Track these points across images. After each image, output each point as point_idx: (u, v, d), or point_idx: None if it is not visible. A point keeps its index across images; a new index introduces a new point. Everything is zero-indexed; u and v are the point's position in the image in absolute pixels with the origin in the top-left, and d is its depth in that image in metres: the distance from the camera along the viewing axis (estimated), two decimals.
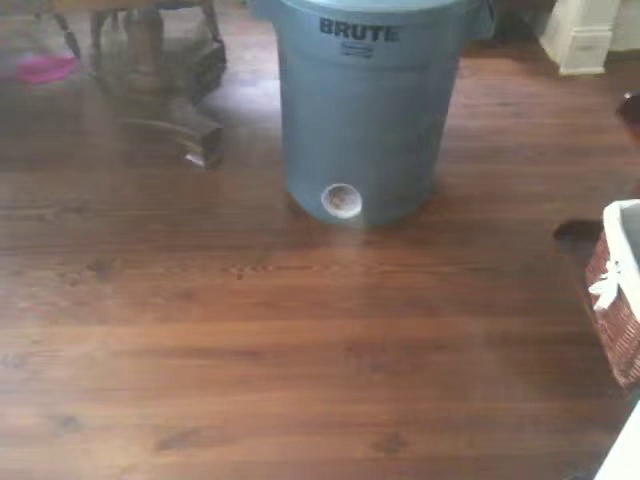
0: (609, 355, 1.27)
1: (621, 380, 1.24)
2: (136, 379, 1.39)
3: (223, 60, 2.37)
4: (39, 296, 1.54)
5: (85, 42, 2.34)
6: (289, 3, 1.35)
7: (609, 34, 2.31)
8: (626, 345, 1.20)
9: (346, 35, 1.31)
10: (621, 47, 2.43)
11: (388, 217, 1.75)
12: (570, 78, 2.36)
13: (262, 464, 1.25)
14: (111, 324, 1.49)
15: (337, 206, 1.71)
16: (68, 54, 2.40)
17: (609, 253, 1.25)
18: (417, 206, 1.79)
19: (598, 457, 0.87)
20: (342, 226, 1.73)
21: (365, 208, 1.67)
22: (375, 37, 1.30)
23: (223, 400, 1.35)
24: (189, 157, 1.94)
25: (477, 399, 1.36)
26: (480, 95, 2.27)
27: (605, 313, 1.29)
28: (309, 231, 1.73)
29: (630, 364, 1.21)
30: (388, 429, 1.30)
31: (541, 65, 2.42)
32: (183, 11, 2.47)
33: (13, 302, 1.53)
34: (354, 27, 1.29)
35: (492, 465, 1.25)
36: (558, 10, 2.40)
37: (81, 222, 1.74)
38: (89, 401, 1.34)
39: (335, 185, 1.65)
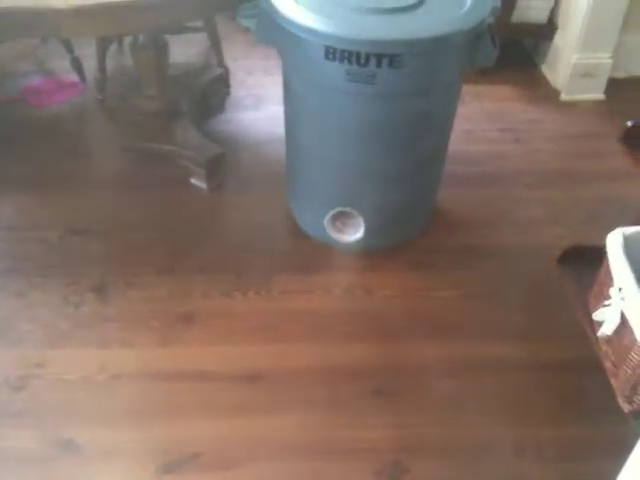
0: (613, 382, 1.27)
1: (625, 407, 1.24)
2: (136, 402, 1.38)
3: (227, 85, 2.39)
4: (41, 318, 1.54)
5: (90, 65, 2.36)
6: (293, 30, 1.36)
7: (610, 61, 2.33)
8: (630, 372, 1.20)
9: (350, 62, 1.32)
10: (622, 74, 2.46)
11: (390, 241, 1.76)
12: (571, 104, 2.37)
13: None
14: (112, 347, 1.49)
15: (339, 230, 1.71)
16: (73, 77, 2.42)
17: (612, 279, 1.25)
18: (418, 230, 1.80)
19: None
20: (344, 250, 1.73)
21: (367, 232, 1.67)
22: (379, 64, 1.31)
23: (224, 424, 1.34)
24: (192, 180, 1.95)
25: (479, 425, 1.35)
26: (481, 121, 2.28)
27: (609, 339, 1.29)
28: (311, 255, 1.73)
29: (634, 391, 1.20)
30: (390, 456, 1.29)
31: (542, 91, 2.44)
32: (188, 36, 2.51)
33: (15, 324, 1.53)
34: (358, 54, 1.30)
35: None
36: (558, 37, 2.42)
37: (84, 244, 1.74)
38: (89, 424, 1.34)
39: (338, 209, 1.66)
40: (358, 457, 1.29)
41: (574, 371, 1.44)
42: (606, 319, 1.27)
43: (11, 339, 1.50)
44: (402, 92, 1.41)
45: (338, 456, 1.29)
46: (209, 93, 2.30)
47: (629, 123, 2.14)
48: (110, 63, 2.38)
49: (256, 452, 1.29)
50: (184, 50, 2.55)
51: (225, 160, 1.99)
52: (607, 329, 1.27)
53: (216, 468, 1.26)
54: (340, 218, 1.69)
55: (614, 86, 2.39)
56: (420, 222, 1.80)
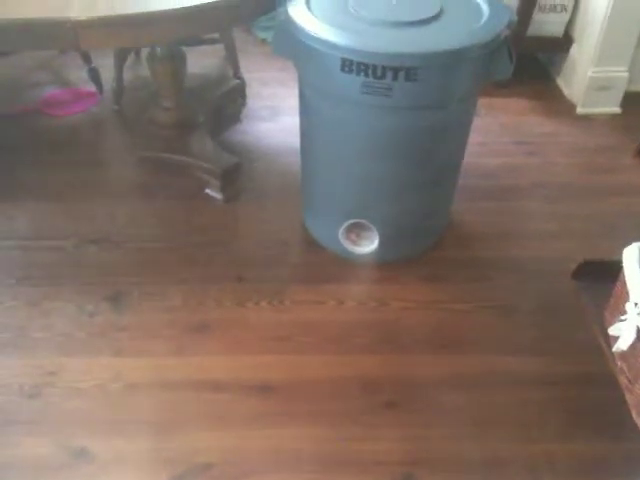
0: (628, 398, 1.26)
1: None
2: (149, 412, 1.38)
3: (243, 96, 2.40)
4: (55, 327, 1.55)
5: (108, 76, 2.39)
6: (310, 43, 1.37)
7: (626, 74, 2.32)
8: None
9: (366, 75, 1.32)
10: (638, 87, 2.44)
11: (404, 253, 1.76)
12: (587, 118, 2.37)
13: None
14: (126, 356, 1.49)
15: (354, 242, 1.71)
16: (90, 88, 2.44)
17: (628, 294, 1.24)
18: (432, 243, 1.79)
19: None
20: (358, 261, 1.73)
21: (381, 244, 1.67)
22: (395, 77, 1.32)
23: (237, 435, 1.34)
24: (208, 191, 1.96)
25: (491, 439, 1.34)
26: (496, 133, 2.28)
27: (624, 355, 1.27)
28: (325, 266, 1.73)
29: None
30: (402, 468, 1.28)
31: (557, 104, 2.44)
32: (205, 48, 2.53)
33: (30, 332, 1.54)
34: (374, 67, 1.31)
35: None
36: (574, 51, 2.42)
37: (99, 254, 1.76)
38: (102, 433, 1.34)
39: (352, 221, 1.66)
40: (370, 469, 1.28)
41: (589, 386, 1.43)
42: (622, 334, 1.26)
43: (25, 347, 1.51)
44: (418, 105, 1.41)
45: (350, 468, 1.28)
46: (225, 104, 2.31)
47: None
48: (127, 74, 2.40)
49: (267, 464, 1.29)
50: (201, 61, 2.57)
51: (240, 171, 2.00)
52: (623, 344, 1.26)
53: (227, 479, 1.26)
54: (354, 230, 1.69)
55: (630, 100, 2.38)
56: (434, 234, 1.80)
